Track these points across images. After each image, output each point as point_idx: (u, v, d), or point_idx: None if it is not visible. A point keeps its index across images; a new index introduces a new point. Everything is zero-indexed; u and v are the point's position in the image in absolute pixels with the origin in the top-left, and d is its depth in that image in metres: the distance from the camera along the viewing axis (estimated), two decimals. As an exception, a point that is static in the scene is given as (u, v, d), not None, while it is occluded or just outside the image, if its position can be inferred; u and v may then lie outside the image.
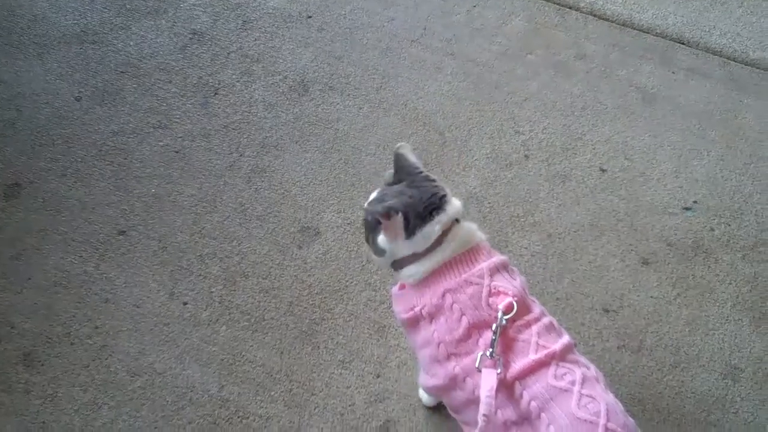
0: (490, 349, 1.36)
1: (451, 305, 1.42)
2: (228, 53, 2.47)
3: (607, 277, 2.04)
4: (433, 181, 1.48)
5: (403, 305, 1.50)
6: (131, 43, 2.49)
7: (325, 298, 1.97)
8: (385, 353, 1.89)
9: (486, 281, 1.43)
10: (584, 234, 2.12)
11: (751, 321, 1.98)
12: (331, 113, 2.34)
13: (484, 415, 1.31)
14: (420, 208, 1.43)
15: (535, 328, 1.42)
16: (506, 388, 1.36)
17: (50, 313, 1.93)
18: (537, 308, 1.46)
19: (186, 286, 1.99)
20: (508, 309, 1.39)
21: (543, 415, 1.33)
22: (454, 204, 1.47)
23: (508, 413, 1.35)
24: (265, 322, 1.93)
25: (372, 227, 1.48)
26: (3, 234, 2.06)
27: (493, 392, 1.33)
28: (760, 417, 1.84)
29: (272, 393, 1.83)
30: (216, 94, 2.37)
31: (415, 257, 1.45)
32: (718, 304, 2.01)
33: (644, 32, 2.60)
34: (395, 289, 1.55)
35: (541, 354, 1.38)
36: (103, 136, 2.28)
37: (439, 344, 1.43)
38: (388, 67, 2.44)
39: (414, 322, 1.47)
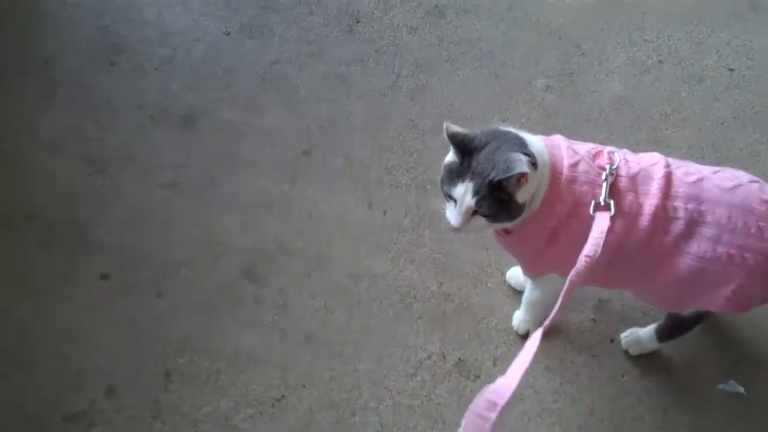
0: (603, 196, 1.43)
1: (578, 198, 1.46)
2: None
3: (760, 162, 2.22)
4: (486, 129, 1.49)
5: (532, 237, 1.51)
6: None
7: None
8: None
9: (583, 154, 1.49)
10: (729, 126, 2.30)
11: None
12: (471, 33, 2.46)
13: (587, 256, 1.37)
14: (520, 147, 1.44)
15: (638, 161, 1.51)
16: (660, 218, 1.44)
17: (260, 230, 2.01)
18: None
19: (381, 196, 2.09)
20: (611, 161, 1.48)
21: (702, 208, 1.43)
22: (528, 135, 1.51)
23: (677, 229, 1.44)
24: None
25: (503, 195, 1.43)
26: (191, 161, 2.12)
27: (604, 233, 1.39)
28: None
29: (488, 285, 1.96)
30: (358, 22, 2.47)
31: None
32: None
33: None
34: (502, 238, 1.58)
35: (660, 173, 1.47)
36: (262, 66, 2.35)
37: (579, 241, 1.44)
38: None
39: (552, 238, 1.50)
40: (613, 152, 1.50)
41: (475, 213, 1.45)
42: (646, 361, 1.83)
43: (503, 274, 1.94)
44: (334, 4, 2.50)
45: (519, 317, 1.85)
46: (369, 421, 1.72)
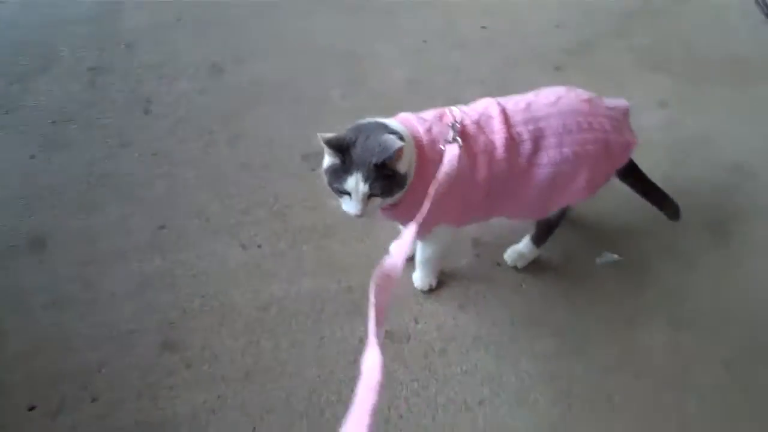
0: (451, 134, 1.71)
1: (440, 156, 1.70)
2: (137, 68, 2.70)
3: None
4: (354, 124, 1.72)
5: (418, 200, 1.64)
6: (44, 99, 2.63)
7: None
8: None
9: (431, 119, 1.77)
10: (504, 70, 2.69)
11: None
12: (256, 74, 2.69)
13: (446, 173, 1.63)
14: (385, 130, 1.67)
15: (475, 109, 1.82)
16: (511, 145, 1.74)
17: (156, 307, 2.06)
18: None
19: (249, 235, 2.23)
20: (454, 117, 1.76)
21: (540, 125, 1.76)
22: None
23: (527, 149, 1.75)
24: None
25: (388, 172, 1.64)
26: (59, 276, 2.14)
27: (455, 156, 1.67)
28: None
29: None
30: (150, 102, 2.60)
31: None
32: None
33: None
34: (390, 212, 1.80)
35: (496, 111, 1.78)
36: (81, 171, 2.41)
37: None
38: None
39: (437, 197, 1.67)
40: (452, 109, 1.79)
41: (370, 196, 1.65)
42: (533, 267, 2.11)
43: (386, 252, 2.15)
44: (120, 96, 2.60)
45: (418, 277, 2.07)
46: (339, 412, 1.84)
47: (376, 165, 1.60)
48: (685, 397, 1.84)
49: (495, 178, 1.75)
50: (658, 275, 2.07)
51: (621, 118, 1.85)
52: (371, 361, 1.26)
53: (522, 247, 2.10)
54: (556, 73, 2.59)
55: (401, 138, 1.65)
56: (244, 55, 2.75)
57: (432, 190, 1.59)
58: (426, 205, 1.60)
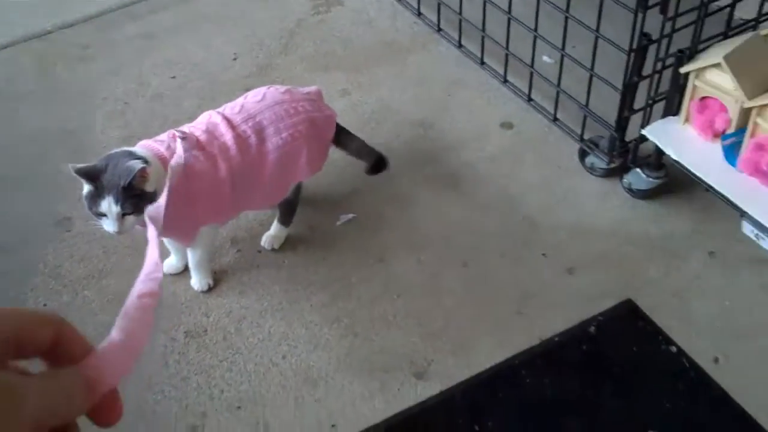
0: (182, 143, 2.00)
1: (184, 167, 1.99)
2: None
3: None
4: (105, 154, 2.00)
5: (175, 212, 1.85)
6: None
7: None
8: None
9: (166, 139, 2.08)
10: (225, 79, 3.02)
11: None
12: None
13: (177, 163, 1.97)
14: (130, 156, 1.95)
15: (200, 123, 2.17)
16: (240, 142, 2.10)
17: None
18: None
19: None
20: (182, 132, 2.05)
21: (257, 119, 2.14)
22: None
23: (253, 143, 2.12)
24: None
25: (137, 191, 1.90)
26: None
27: (182, 151, 1.99)
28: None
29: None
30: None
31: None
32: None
33: None
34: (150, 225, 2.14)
35: (219, 119, 2.13)
36: None
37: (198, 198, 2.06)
38: None
39: (189, 203, 2.02)
40: (179, 129, 2.10)
41: (123, 215, 1.92)
42: (288, 244, 2.47)
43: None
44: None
45: (195, 280, 2.34)
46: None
47: (123, 187, 1.87)
48: (442, 297, 2.29)
49: (235, 173, 2.09)
50: (390, 219, 2.52)
51: (317, 99, 2.30)
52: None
53: (273, 230, 2.45)
54: (250, 95, 2.98)
55: (146, 161, 1.93)
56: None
57: (169, 181, 1.89)
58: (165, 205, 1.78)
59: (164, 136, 2.08)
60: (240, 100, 2.20)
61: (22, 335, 0.54)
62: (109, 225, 1.94)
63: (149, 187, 1.94)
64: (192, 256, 2.28)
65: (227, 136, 2.09)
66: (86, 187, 1.96)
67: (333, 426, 2.01)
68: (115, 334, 0.60)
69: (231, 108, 2.17)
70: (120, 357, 0.59)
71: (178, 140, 2.02)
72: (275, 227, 2.44)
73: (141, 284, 0.66)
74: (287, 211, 2.41)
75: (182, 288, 2.34)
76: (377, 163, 2.47)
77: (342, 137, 2.37)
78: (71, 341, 0.57)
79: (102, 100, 3.01)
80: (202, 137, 2.07)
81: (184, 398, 2.07)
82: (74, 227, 2.50)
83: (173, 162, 1.97)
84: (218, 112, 2.16)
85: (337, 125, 2.32)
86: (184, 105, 2.95)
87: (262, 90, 2.23)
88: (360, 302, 2.28)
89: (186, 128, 2.11)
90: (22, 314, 0.56)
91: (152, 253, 0.76)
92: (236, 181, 2.09)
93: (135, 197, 1.90)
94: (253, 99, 2.19)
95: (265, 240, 2.45)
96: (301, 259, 2.42)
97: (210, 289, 2.32)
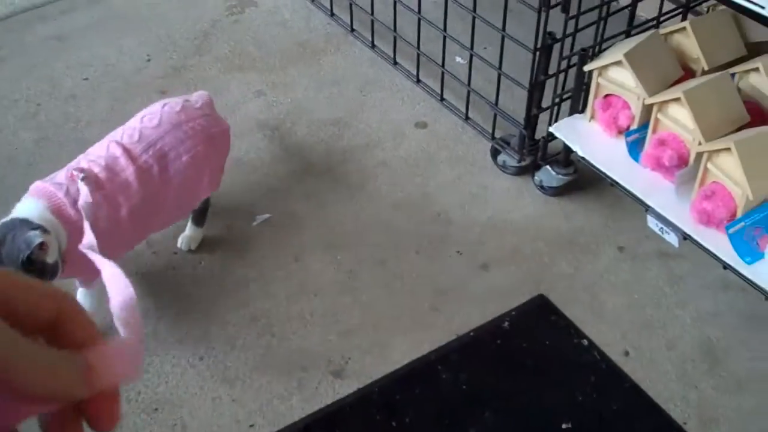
0: (83, 198, 1.87)
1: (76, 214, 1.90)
2: None
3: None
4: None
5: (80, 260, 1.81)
6: None
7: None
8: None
9: (65, 182, 1.95)
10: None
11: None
12: None
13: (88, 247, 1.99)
14: (28, 226, 1.81)
15: (99, 153, 2.05)
16: (142, 174, 2.00)
17: None
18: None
19: None
20: (81, 170, 1.93)
21: (158, 146, 2.05)
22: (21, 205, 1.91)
23: (156, 171, 2.03)
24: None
25: (38, 266, 1.79)
26: None
27: (87, 194, 1.88)
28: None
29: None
30: None
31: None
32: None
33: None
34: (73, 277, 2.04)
35: (118, 151, 2.02)
36: None
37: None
38: None
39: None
40: (78, 164, 1.98)
41: None
42: (205, 246, 2.45)
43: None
44: None
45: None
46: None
47: (23, 261, 1.76)
48: (359, 295, 2.31)
49: (136, 208, 2.00)
50: (306, 218, 2.52)
51: (210, 112, 2.21)
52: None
53: (188, 231, 2.42)
54: (163, 96, 2.93)
55: (44, 229, 1.81)
56: None
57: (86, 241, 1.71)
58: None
59: (62, 177, 1.96)
60: (136, 125, 2.09)
61: (18, 301, 0.48)
62: None
63: (50, 258, 1.82)
64: (84, 296, 2.16)
65: (128, 171, 2.00)
66: None
67: (251, 426, 2.01)
68: (124, 334, 0.54)
69: (129, 135, 2.06)
70: (128, 356, 0.53)
71: (79, 182, 1.90)
72: (190, 228, 2.41)
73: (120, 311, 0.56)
74: (199, 212, 2.38)
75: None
76: None
77: None
78: (74, 322, 0.51)
79: (13, 101, 2.93)
80: (102, 174, 1.97)
81: (96, 404, 2.03)
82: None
83: (81, 202, 1.85)
84: (117, 143, 2.04)
85: None
86: (97, 106, 2.90)
87: (156, 111, 2.12)
88: (276, 301, 2.28)
89: (84, 162, 1.99)
90: (21, 278, 0.49)
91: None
92: (137, 215, 2.02)
93: (37, 271, 1.79)
94: (149, 124, 2.08)
95: (181, 241, 2.42)
96: (218, 259, 2.40)
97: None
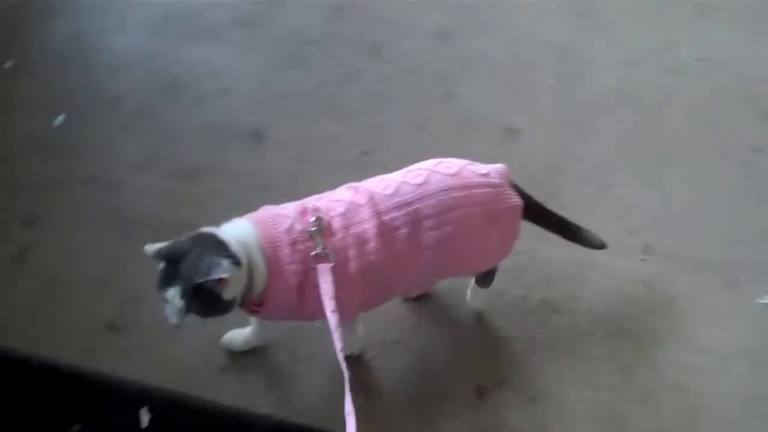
0: (318, 248, 1.61)
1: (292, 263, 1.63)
2: (370, 20, 3.05)
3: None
4: (190, 235, 1.63)
5: (282, 302, 1.66)
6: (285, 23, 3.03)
7: None
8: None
9: (293, 215, 1.68)
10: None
11: None
12: (478, 48, 2.92)
13: (332, 311, 1.58)
14: (221, 251, 1.57)
15: (341, 198, 1.72)
16: (384, 233, 1.66)
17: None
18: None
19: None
20: (317, 211, 1.67)
21: (415, 206, 1.68)
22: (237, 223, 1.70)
23: (404, 234, 1.67)
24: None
25: (210, 296, 1.55)
26: (269, 166, 2.49)
27: (330, 284, 1.60)
28: None
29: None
30: (381, 49, 2.90)
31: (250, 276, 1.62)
32: None
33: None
34: (260, 313, 1.73)
35: (364, 199, 1.69)
36: (307, 89, 2.76)
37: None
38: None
39: (301, 295, 1.65)
40: (316, 204, 1.71)
41: (189, 312, 1.57)
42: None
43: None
44: (354, 35, 2.94)
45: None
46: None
47: (194, 286, 1.53)
48: None
49: (371, 270, 1.68)
50: None
51: (497, 182, 1.77)
52: None
53: (470, 289, 2.05)
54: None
55: (236, 262, 1.57)
56: (468, 28, 2.99)
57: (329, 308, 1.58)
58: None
59: (292, 209, 1.70)
60: (397, 178, 1.75)
61: None
62: (168, 314, 1.58)
63: (228, 295, 1.57)
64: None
65: (368, 225, 1.67)
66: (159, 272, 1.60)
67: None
68: None
69: (384, 186, 1.72)
70: None
71: (313, 230, 1.65)
72: (473, 286, 2.05)
73: None
74: (483, 275, 2.00)
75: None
76: (590, 243, 2.00)
77: (536, 215, 1.90)
78: None
79: (621, 44, 2.95)
80: (336, 222, 1.67)
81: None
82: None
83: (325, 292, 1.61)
84: (365, 190, 1.72)
85: (530, 202, 1.86)
86: (688, 97, 2.77)
87: (425, 168, 1.75)
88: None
89: (322, 203, 1.72)
90: None
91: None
92: (371, 278, 1.69)
93: (207, 300, 1.56)
94: (412, 180, 1.72)
95: (473, 301, 2.08)
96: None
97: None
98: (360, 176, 1.81)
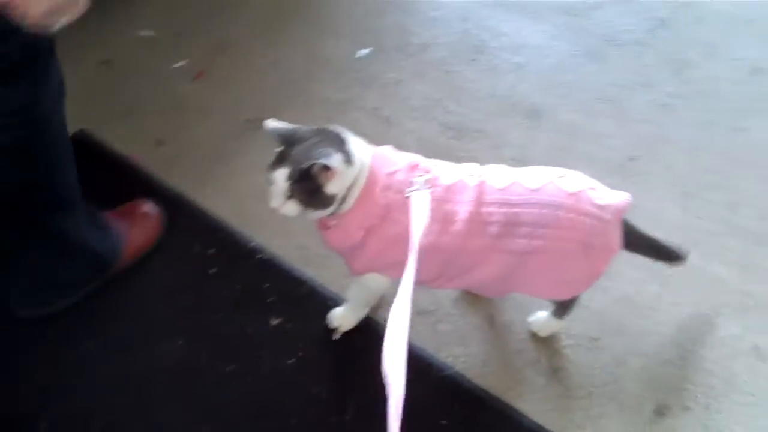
0: (416, 185, 1.60)
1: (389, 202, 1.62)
2: (688, 39, 2.96)
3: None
4: (323, 126, 1.64)
5: (348, 234, 1.65)
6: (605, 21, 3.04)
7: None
8: None
9: (402, 165, 1.65)
10: None
11: None
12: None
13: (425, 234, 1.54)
14: (338, 145, 1.58)
15: (456, 172, 1.68)
16: (474, 222, 1.60)
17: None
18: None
19: (694, 204, 2.37)
20: (426, 172, 1.64)
21: (516, 210, 1.61)
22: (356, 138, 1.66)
23: (493, 231, 1.61)
24: None
25: (313, 185, 1.57)
26: (533, 145, 2.56)
27: (426, 208, 1.57)
28: None
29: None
30: (684, 69, 2.84)
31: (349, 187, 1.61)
32: None
33: None
34: (325, 234, 1.72)
35: (475, 182, 1.64)
36: (598, 85, 2.76)
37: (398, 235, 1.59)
38: None
39: (366, 238, 1.64)
40: (428, 166, 1.67)
41: (290, 197, 1.60)
42: None
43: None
44: (661, 54, 2.91)
45: (337, 313, 2.02)
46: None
47: (302, 170, 1.55)
48: None
49: (440, 249, 1.63)
50: None
51: (609, 218, 1.65)
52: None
53: (544, 316, 2.01)
54: None
55: (348, 159, 1.58)
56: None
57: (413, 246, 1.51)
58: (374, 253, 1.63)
59: (406, 159, 1.69)
60: (515, 175, 1.67)
61: None
62: (272, 195, 1.62)
63: (331, 189, 1.58)
64: (351, 290, 1.95)
65: (465, 208, 1.62)
66: (275, 154, 1.64)
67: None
68: None
69: (500, 179, 1.65)
70: None
71: (413, 188, 1.62)
72: (547, 315, 2.00)
73: None
74: (560, 305, 1.94)
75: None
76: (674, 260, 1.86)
77: (631, 241, 1.74)
78: None
79: None
80: (438, 191, 1.63)
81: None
82: None
83: (382, 199, 1.61)
84: (480, 174, 1.67)
85: (626, 226, 1.71)
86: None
87: (550, 174, 1.66)
88: None
89: (436, 168, 1.68)
90: None
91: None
92: (436, 258, 1.64)
93: (309, 189, 1.58)
94: (527, 183, 1.64)
95: (535, 322, 2.04)
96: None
97: (332, 331, 2.03)
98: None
